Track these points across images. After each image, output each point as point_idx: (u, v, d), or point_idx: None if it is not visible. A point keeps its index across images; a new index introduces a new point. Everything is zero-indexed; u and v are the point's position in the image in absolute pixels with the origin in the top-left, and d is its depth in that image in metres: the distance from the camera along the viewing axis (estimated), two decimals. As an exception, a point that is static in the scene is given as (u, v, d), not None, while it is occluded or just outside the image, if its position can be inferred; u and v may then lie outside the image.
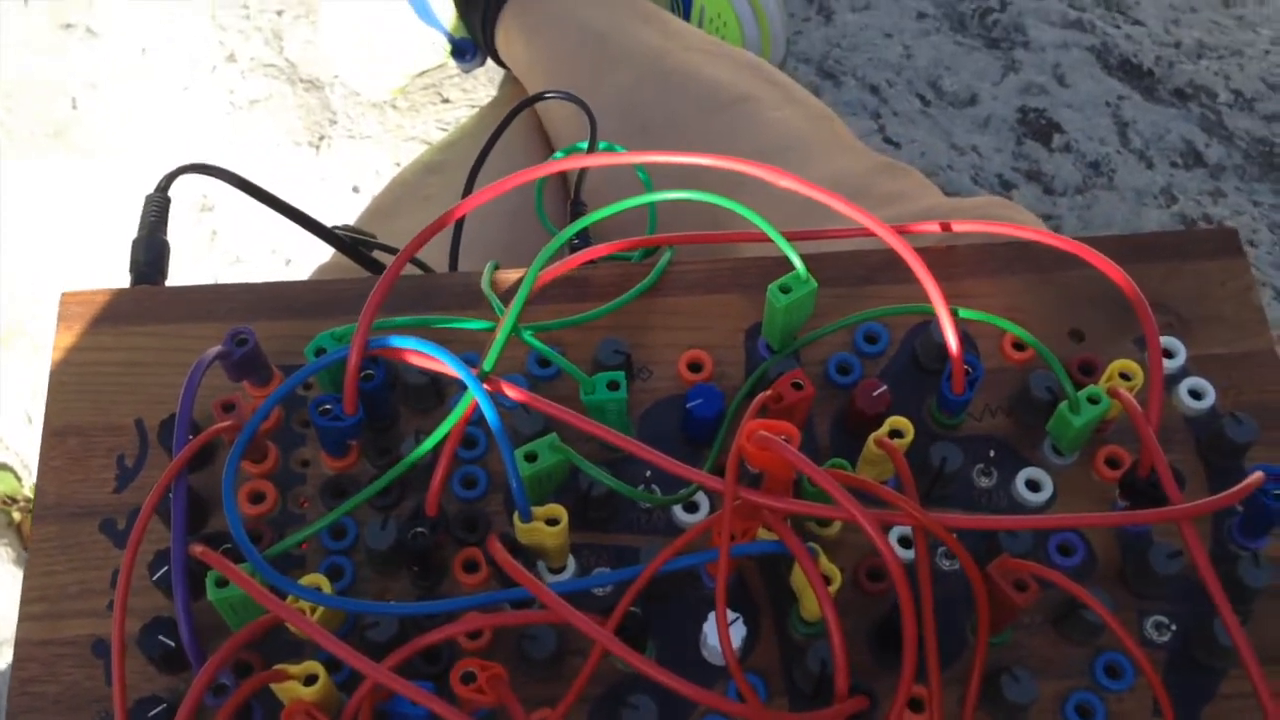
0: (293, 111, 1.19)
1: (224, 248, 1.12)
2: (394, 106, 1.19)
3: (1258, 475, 0.44)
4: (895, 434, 0.45)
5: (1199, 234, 0.55)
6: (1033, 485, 0.48)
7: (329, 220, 0.77)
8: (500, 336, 0.44)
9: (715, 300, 0.53)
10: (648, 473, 0.48)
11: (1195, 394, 0.50)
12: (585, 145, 0.59)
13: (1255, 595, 0.45)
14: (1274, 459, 0.49)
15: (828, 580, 0.42)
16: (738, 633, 0.43)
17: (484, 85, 1.21)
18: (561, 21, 0.91)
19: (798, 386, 0.45)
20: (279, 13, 1.23)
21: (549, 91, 0.64)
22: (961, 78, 1.30)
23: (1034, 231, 0.51)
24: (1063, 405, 0.46)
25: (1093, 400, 0.46)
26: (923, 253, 0.54)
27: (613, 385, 0.46)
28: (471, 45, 1.05)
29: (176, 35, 1.24)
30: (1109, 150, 1.26)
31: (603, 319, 0.51)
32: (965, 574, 0.43)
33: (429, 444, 0.43)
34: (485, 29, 0.97)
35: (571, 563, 0.46)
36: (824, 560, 0.43)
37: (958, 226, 0.53)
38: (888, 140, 1.24)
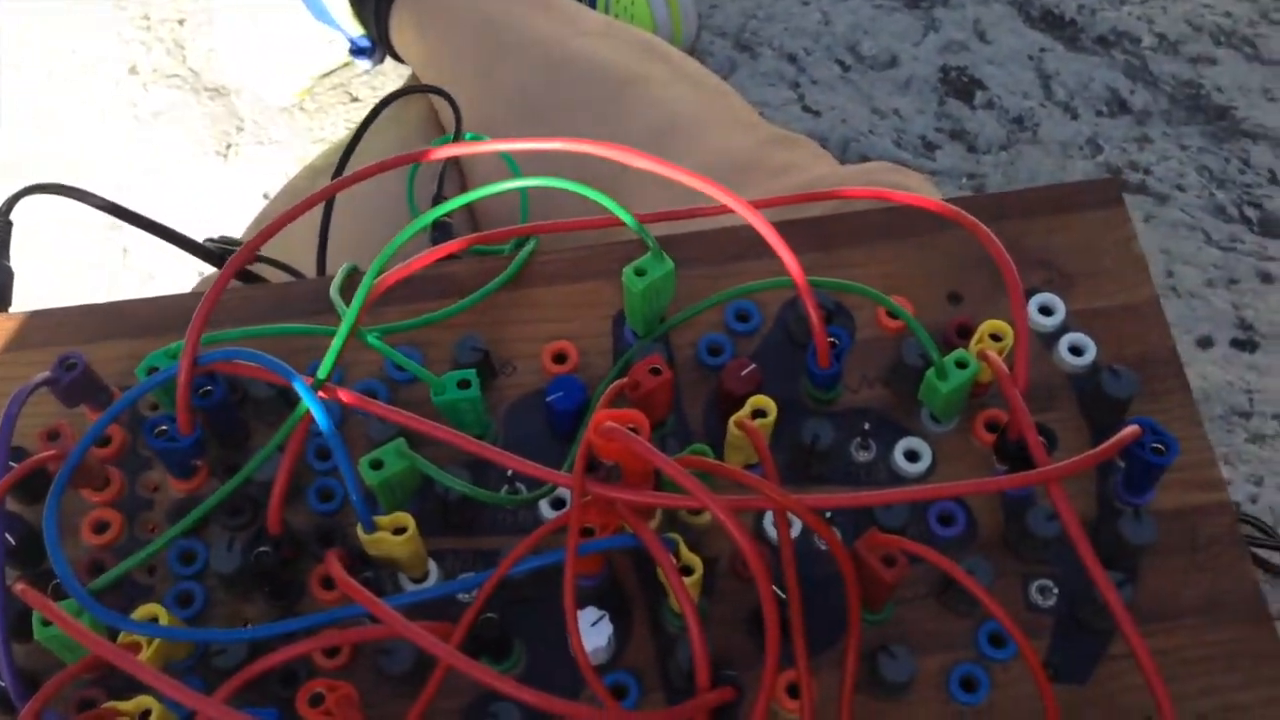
0: (198, 121, 1.17)
1: (136, 265, 1.09)
2: (302, 109, 1.17)
3: (1131, 429, 0.42)
4: (760, 414, 0.44)
5: (1079, 186, 0.53)
6: (911, 456, 0.47)
7: (237, 230, 0.75)
8: (336, 341, 0.42)
9: (581, 289, 0.51)
10: (509, 471, 0.46)
11: (1075, 350, 0.49)
12: (451, 138, 0.58)
13: (1140, 552, 0.44)
14: (1158, 412, 0.48)
15: (689, 570, 0.41)
16: (603, 631, 0.42)
17: (394, 81, 1.19)
18: (453, 13, 0.89)
19: (655, 372, 0.44)
20: (180, 22, 1.21)
21: (414, 86, 0.62)
22: (881, 40, 1.28)
23: (901, 195, 0.50)
24: (929, 372, 0.45)
25: (960, 364, 0.44)
26: (795, 224, 0.52)
27: (463, 384, 0.44)
28: (370, 42, 1.02)
29: (80, 50, 1.22)
30: (1032, 104, 1.25)
31: (465, 316, 0.50)
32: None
33: (259, 459, 0.41)
34: (379, 24, 0.95)
35: (435, 570, 0.44)
36: (685, 550, 0.41)
37: (831, 196, 0.51)
38: (807, 109, 1.22)
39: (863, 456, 0.47)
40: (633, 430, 0.40)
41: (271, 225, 0.45)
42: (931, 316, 0.50)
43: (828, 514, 0.45)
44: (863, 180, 0.61)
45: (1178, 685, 0.43)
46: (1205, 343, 1.03)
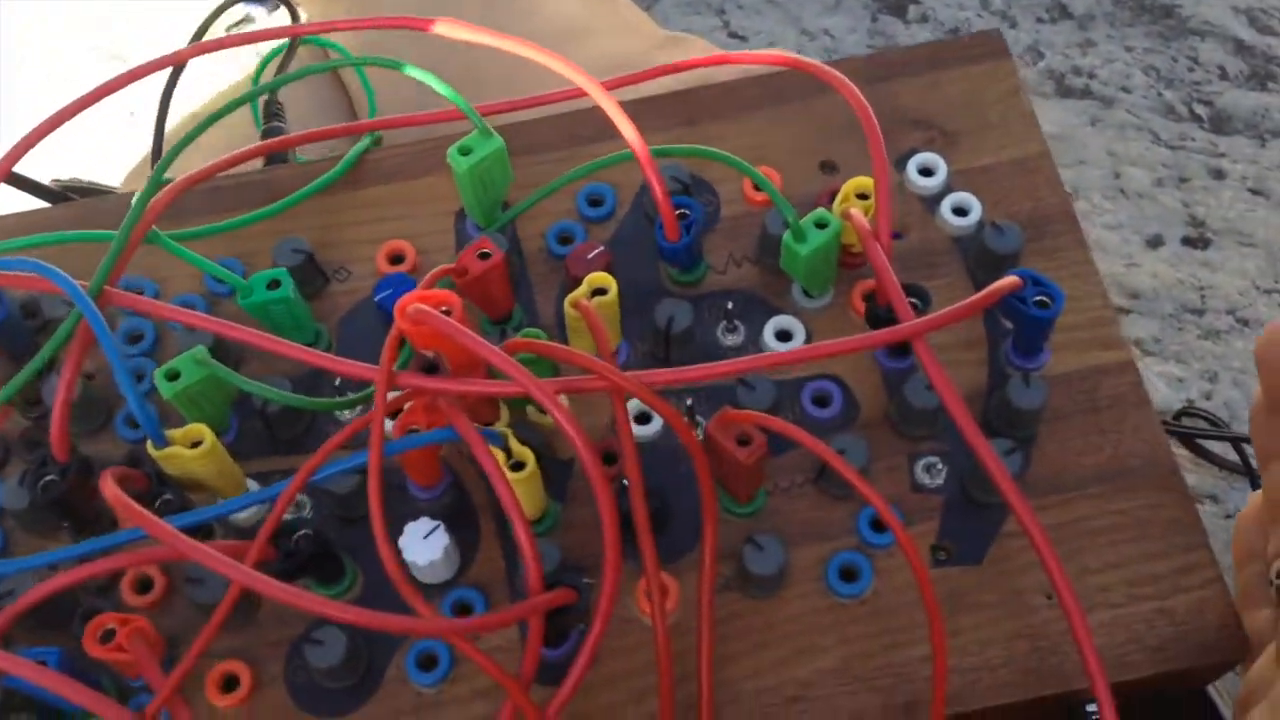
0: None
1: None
2: (207, 68, 1.12)
3: (1009, 279, 0.38)
4: (599, 292, 0.39)
5: (959, 42, 0.49)
6: (783, 335, 0.43)
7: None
8: (114, 246, 0.38)
9: (420, 185, 0.47)
10: (337, 381, 0.42)
11: (960, 210, 0.45)
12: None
13: (1032, 418, 0.40)
14: (1052, 269, 0.44)
15: (521, 464, 0.37)
16: (437, 544, 0.38)
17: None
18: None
19: (485, 256, 0.39)
20: (76, -12, 1.16)
21: (254, -8, 0.58)
22: (808, -39, 1.23)
23: (750, 56, 0.45)
24: (786, 235, 0.40)
25: (820, 225, 0.40)
26: (657, 100, 0.48)
27: (273, 284, 0.40)
28: (262, -13, 0.98)
29: None
30: (968, 14, 1.20)
31: (295, 223, 0.45)
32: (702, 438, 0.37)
33: (26, 373, 0.37)
34: (266, -36, 0.90)
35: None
36: (515, 444, 0.37)
37: (681, 66, 0.47)
38: (733, 35, 1.18)
39: (730, 340, 0.43)
40: (445, 313, 0.35)
41: (23, 142, 0.41)
42: (804, 187, 0.45)
43: (688, 401, 0.41)
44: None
45: (1081, 559, 0.39)
46: (1155, 242, 0.99)
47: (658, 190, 0.40)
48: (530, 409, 0.41)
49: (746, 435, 0.36)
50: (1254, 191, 1.05)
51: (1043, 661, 0.38)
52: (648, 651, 0.38)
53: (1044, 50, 1.18)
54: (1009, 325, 0.42)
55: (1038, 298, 0.39)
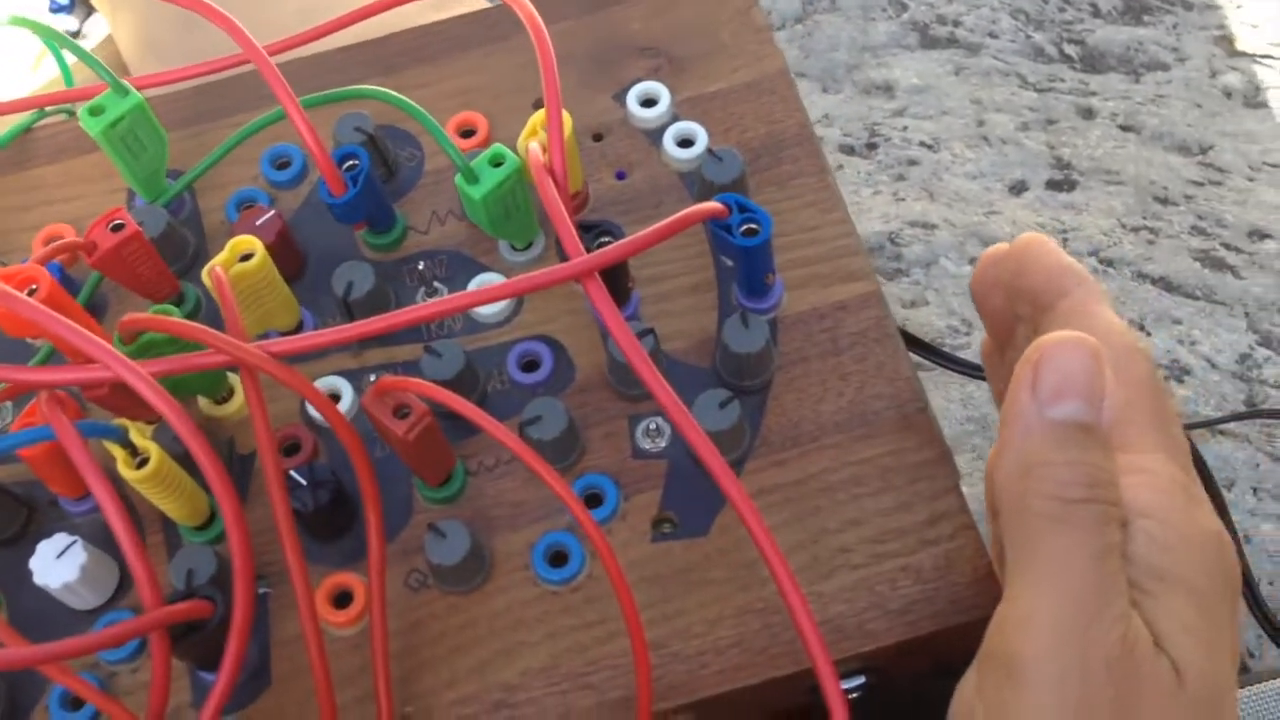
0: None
1: None
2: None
3: (705, 205, 0.34)
4: (246, 257, 0.34)
5: (694, -41, 0.44)
6: (488, 295, 0.38)
7: None
8: None
9: (89, 161, 0.42)
10: None
11: (684, 142, 0.40)
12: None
13: (756, 364, 0.35)
14: (789, 198, 0.39)
15: (144, 461, 0.32)
16: (74, 561, 0.33)
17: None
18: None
19: (118, 228, 0.34)
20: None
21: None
22: (659, -71, 1.19)
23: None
24: (457, 178, 0.35)
25: (496, 163, 0.35)
26: (350, 50, 0.43)
27: (-127, 281, 0.35)
28: None
29: None
30: (830, -27, 1.16)
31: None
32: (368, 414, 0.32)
33: None
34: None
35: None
36: (138, 436, 0.32)
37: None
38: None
39: (432, 306, 0.38)
40: (31, 291, 0.30)
41: None
42: (517, 129, 0.40)
43: (371, 377, 0.36)
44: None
45: (820, 518, 0.34)
46: (1018, 188, 0.94)
47: (308, 139, 0.35)
48: (203, 401, 0.37)
49: (406, 406, 0.32)
50: (1124, 128, 1.01)
51: (775, 638, 0.33)
52: (338, 666, 0.33)
53: (908, 2, 1.14)
54: (727, 263, 0.37)
55: (745, 225, 0.34)
